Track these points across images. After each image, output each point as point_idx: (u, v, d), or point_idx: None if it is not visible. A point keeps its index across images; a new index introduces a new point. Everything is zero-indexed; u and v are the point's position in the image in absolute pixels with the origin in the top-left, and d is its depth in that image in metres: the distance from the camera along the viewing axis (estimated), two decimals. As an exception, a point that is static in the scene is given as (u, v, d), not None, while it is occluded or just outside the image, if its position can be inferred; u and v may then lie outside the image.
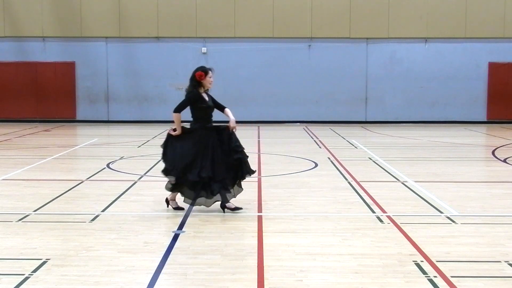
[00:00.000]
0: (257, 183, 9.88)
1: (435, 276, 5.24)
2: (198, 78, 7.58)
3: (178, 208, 7.83)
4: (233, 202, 7.79)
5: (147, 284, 5.05)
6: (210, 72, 7.64)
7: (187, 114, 7.74)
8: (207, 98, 7.70)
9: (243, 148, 7.79)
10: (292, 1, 22.77)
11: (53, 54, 22.88)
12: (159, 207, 8.00)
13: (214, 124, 7.78)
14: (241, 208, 7.75)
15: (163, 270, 5.40)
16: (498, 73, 22.89)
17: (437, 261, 5.64)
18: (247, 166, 7.74)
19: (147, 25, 22.74)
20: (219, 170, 7.55)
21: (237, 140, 7.72)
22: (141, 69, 22.92)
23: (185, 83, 7.84)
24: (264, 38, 22.78)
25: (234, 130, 7.69)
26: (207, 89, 7.75)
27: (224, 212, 7.66)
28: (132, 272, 5.36)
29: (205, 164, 7.49)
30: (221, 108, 7.83)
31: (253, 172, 7.94)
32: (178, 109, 7.65)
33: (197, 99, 7.61)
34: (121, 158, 13.00)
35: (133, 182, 9.90)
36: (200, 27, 22.78)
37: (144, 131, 19.32)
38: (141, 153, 13.95)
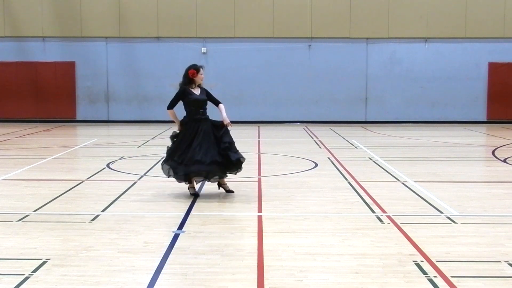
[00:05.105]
0: (257, 183, 9.88)
1: (435, 276, 5.24)
2: (191, 75, 8.45)
3: (195, 194, 8.51)
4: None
5: (147, 284, 5.05)
6: (201, 69, 8.56)
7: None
8: (197, 92, 8.50)
9: (233, 150, 8.51)
10: (292, 1, 22.77)
11: (53, 54, 22.87)
12: (159, 207, 8.01)
13: (211, 119, 8.57)
14: (232, 192, 8.72)
15: (163, 270, 5.40)
16: (498, 73, 22.88)
17: (437, 261, 5.64)
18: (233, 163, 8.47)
19: (147, 25, 22.74)
20: (211, 153, 8.27)
21: (228, 141, 8.44)
22: (141, 69, 22.91)
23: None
24: (264, 38, 22.77)
25: (228, 126, 8.46)
26: (200, 84, 8.58)
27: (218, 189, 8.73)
28: (132, 272, 5.36)
29: (197, 150, 8.26)
30: (216, 103, 8.66)
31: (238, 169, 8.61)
32: (170, 105, 8.55)
33: (185, 94, 8.45)
34: (121, 158, 12.99)
35: (133, 182, 9.89)
36: (200, 27, 22.78)
37: (144, 131, 19.32)
38: (141, 153, 13.95)
